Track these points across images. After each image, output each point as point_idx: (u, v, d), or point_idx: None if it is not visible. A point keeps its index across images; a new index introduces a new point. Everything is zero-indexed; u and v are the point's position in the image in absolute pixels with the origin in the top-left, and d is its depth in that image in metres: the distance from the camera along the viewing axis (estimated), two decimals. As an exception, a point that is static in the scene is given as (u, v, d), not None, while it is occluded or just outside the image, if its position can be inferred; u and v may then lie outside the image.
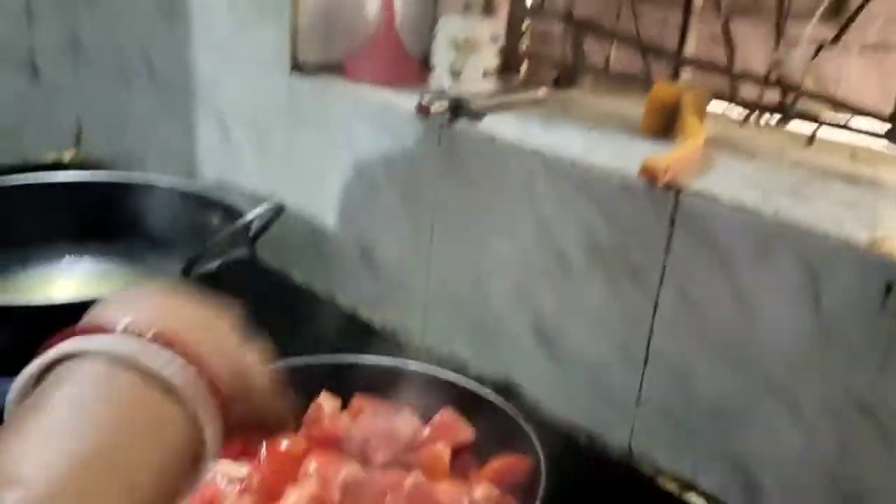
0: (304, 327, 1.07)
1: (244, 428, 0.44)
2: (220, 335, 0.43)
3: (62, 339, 0.38)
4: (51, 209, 1.07)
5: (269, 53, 1.05)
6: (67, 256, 1.08)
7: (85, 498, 0.32)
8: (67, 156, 1.52)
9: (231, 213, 1.01)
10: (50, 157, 1.50)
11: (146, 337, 0.37)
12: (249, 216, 0.83)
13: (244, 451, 0.68)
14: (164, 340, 0.38)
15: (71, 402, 0.35)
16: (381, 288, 0.97)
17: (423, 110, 0.82)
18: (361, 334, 1.00)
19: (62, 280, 1.04)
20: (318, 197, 1.02)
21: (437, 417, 0.71)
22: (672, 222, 0.69)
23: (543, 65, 1.07)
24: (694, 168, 0.74)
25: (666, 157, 0.70)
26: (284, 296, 1.09)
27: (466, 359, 0.89)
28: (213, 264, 0.83)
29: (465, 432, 0.70)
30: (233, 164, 1.15)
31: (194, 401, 0.37)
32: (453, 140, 0.85)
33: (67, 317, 0.77)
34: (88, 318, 0.39)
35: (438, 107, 0.83)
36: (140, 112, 1.33)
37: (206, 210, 1.06)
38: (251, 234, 0.87)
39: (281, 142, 1.06)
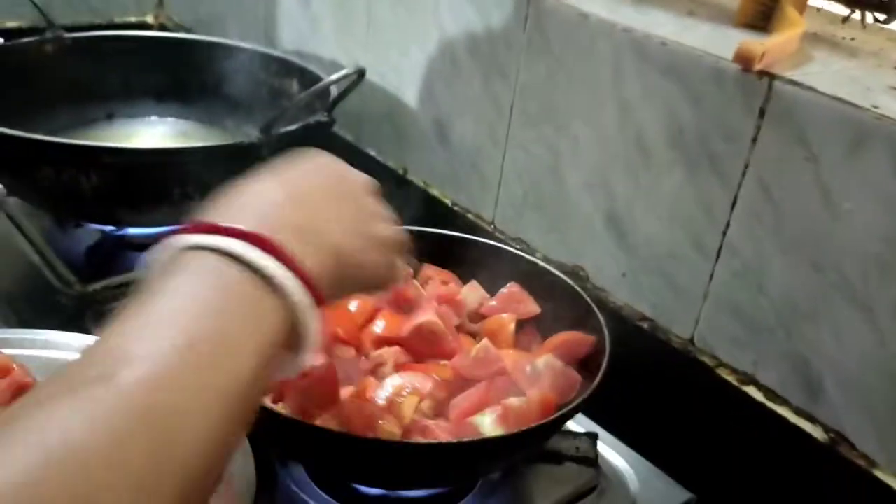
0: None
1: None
2: (332, 215, 0.46)
3: (182, 232, 0.40)
4: (136, 66, 1.09)
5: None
6: (152, 116, 1.10)
7: (193, 377, 0.34)
8: (150, 17, 1.53)
9: (310, 79, 1.02)
10: (133, 18, 1.51)
11: (252, 237, 0.39)
12: (330, 79, 0.83)
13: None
14: (267, 244, 0.40)
15: (184, 290, 0.37)
16: (454, 166, 0.97)
17: (512, -18, 0.80)
18: (432, 211, 1.00)
19: (145, 136, 1.07)
20: (397, 70, 1.02)
21: (503, 290, 0.72)
22: (762, 112, 0.67)
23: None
24: (790, 59, 0.71)
25: (762, 42, 0.67)
26: (357, 167, 1.09)
27: (535, 242, 0.89)
28: (292, 126, 0.84)
29: (531, 306, 0.71)
30: (312, 33, 1.15)
31: (293, 297, 0.39)
32: (540, 15, 0.82)
33: (151, 164, 0.80)
34: (205, 216, 0.42)
35: (529, -20, 0.80)
36: (223, -24, 1.33)
37: (286, 75, 1.06)
38: (330, 98, 0.87)
39: (362, 10, 1.05)
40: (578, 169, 0.83)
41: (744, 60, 0.66)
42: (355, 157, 1.09)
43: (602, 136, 0.80)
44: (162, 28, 1.52)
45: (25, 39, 1.02)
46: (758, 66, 0.66)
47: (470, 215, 0.96)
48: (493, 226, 0.94)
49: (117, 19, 1.49)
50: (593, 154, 0.81)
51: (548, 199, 0.87)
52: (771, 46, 0.67)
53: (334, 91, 0.88)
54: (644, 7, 0.84)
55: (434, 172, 1.01)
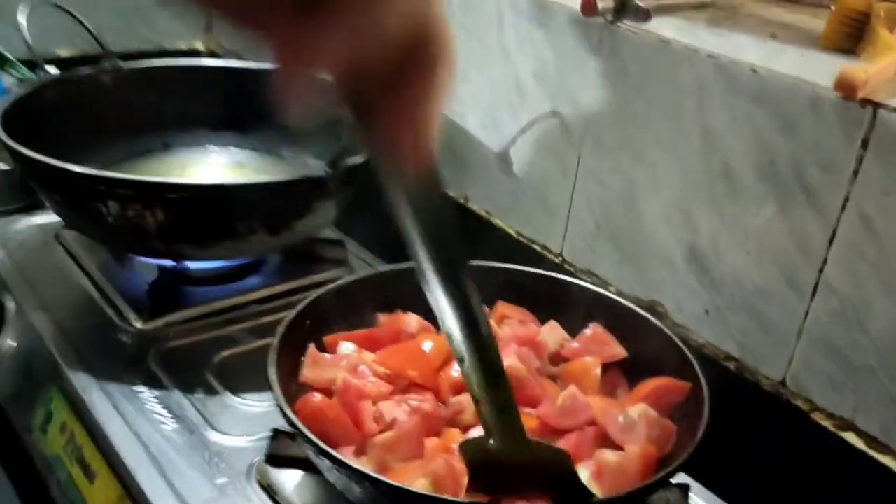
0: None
1: None
2: None
3: None
4: (192, 95, 1.07)
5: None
6: (208, 145, 1.08)
7: None
8: (200, 43, 1.52)
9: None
10: (184, 44, 1.51)
11: None
12: None
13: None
14: None
15: None
16: (518, 196, 0.94)
17: (589, 7, 0.77)
18: (495, 241, 0.97)
19: (202, 165, 1.05)
20: (459, 94, 0.99)
21: (587, 331, 0.69)
22: (865, 143, 0.63)
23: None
24: (890, 85, 0.67)
25: (865, 68, 0.63)
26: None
27: (608, 276, 0.86)
28: (357, 159, 0.81)
29: (616, 348, 0.68)
30: (369, 60, 1.12)
31: None
32: (616, 41, 0.79)
33: (218, 200, 0.77)
34: None
35: (605, 4, 0.77)
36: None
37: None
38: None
39: (422, 38, 1.02)
40: (656, 200, 0.79)
41: (846, 88, 0.62)
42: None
43: (683, 166, 0.76)
44: (212, 54, 1.51)
45: (83, 70, 1.01)
46: (861, 94, 0.62)
47: (536, 246, 0.93)
48: (561, 258, 0.90)
49: (167, 46, 1.48)
50: (673, 185, 0.77)
51: (622, 231, 0.83)
52: (874, 73, 0.63)
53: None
54: (723, 31, 0.80)
55: (497, 202, 0.98)
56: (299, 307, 0.69)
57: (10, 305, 0.87)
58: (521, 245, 0.95)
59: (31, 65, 1.06)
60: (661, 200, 0.79)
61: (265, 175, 1.01)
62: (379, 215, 1.04)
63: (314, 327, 0.69)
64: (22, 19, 0.97)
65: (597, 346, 0.67)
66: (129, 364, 0.79)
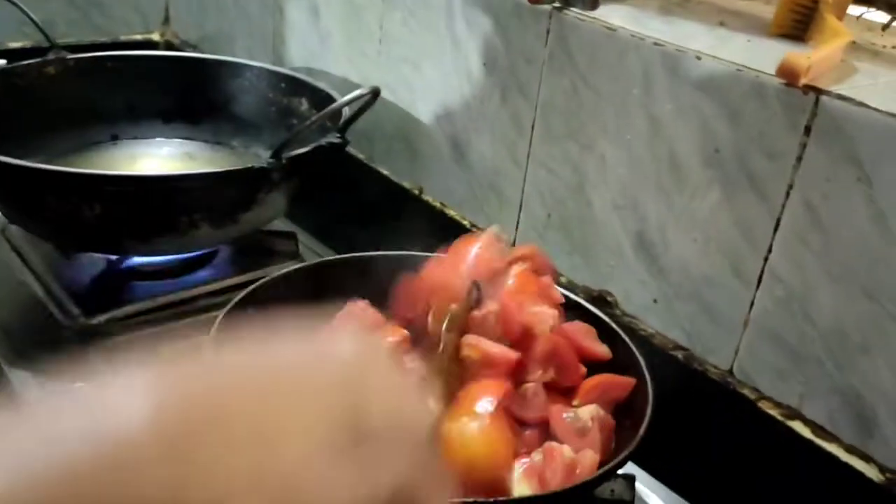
0: (390, 221, 1.04)
1: None
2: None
3: None
4: (141, 86, 1.05)
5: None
6: (158, 137, 1.06)
7: None
8: (156, 35, 1.49)
9: (320, 98, 0.98)
10: (139, 35, 1.48)
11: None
12: (344, 100, 0.79)
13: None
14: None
15: None
16: (472, 186, 0.93)
17: (534, -4, 0.76)
18: (449, 232, 0.96)
19: (150, 158, 1.03)
20: (409, 86, 0.98)
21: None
22: (808, 130, 0.62)
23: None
24: (834, 72, 0.66)
25: (808, 55, 0.63)
26: (369, 187, 1.06)
27: (559, 265, 0.85)
28: (303, 149, 0.80)
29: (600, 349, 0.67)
30: (322, 49, 1.11)
31: None
32: (563, 29, 0.78)
33: (157, 192, 0.76)
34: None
35: (551, -8, 0.76)
36: (229, -9, 1.29)
37: (295, 93, 1.02)
38: (343, 119, 0.83)
39: (373, 24, 1.01)
40: (605, 189, 0.78)
41: (788, 75, 0.61)
42: (368, 176, 1.06)
43: (631, 155, 0.75)
44: (168, 46, 1.48)
45: (27, 61, 0.99)
46: (803, 81, 0.61)
47: (490, 237, 0.92)
48: (515, 247, 0.89)
49: (123, 37, 1.45)
50: (622, 174, 0.77)
51: (572, 220, 0.83)
52: (817, 59, 0.62)
53: (346, 111, 0.84)
54: (672, 18, 0.80)
55: (451, 193, 0.97)
56: (239, 296, 0.67)
57: (-50, 303, 0.85)
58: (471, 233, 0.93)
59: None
60: (610, 189, 0.78)
61: (214, 167, 0.99)
62: (330, 206, 1.03)
63: (256, 318, 0.68)
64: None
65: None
66: (73, 360, 0.77)
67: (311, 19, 1.11)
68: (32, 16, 1.01)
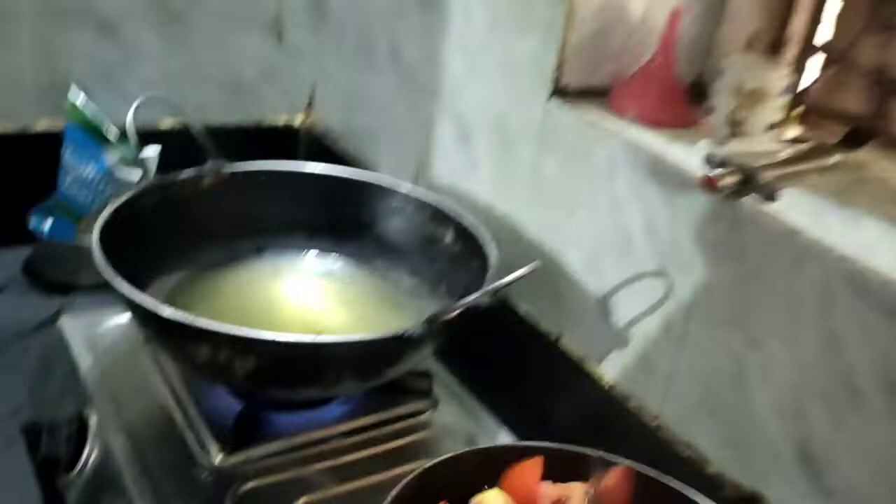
0: (524, 364, 1.02)
1: None
2: None
3: None
4: (290, 200, 1.07)
5: (527, 67, 0.97)
6: (302, 250, 1.07)
7: None
8: (298, 119, 1.53)
9: (466, 234, 0.97)
10: (282, 119, 1.51)
11: None
12: (507, 280, 0.77)
13: None
14: None
15: None
16: (619, 345, 0.90)
17: (709, 184, 0.73)
18: (585, 387, 0.93)
19: (291, 274, 1.04)
20: (559, 229, 0.95)
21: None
22: None
23: (831, 119, 0.93)
24: None
25: None
26: (506, 322, 1.03)
27: (709, 453, 0.81)
28: (454, 313, 0.78)
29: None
30: (468, 172, 1.10)
31: None
32: (737, 217, 0.75)
33: (306, 356, 0.75)
34: None
35: (728, 181, 0.73)
36: (377, 93, 1.30)
37: (441, 224, 1.02)
38: (497, 284, 0.81)
39: (526, 162, 0.99)
40: (769, 390, 0.74)
41: None
42: (502, 309, 1.03)
43: (802, 362, 0.71)
44: (308, 133, 1.51)
45: (185, 174, 1.01)
46: None
47: (631, 402, 0.89)
48: (657, 420, 0.86)
49: (268, 121, 1.49)
50: (789, 378, 0.72)
51: (727, 411, 0.78)
52: None
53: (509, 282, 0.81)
54: (850, 209, 0.75)
55: (592, 346, 0.94)
56: (403, 482, 0.65)
57: (93, 421, 0.87)
58: (613, 397, 0.90)
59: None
60: (775, 391, 0.74)
61: (354, 290, 1.00)
62: (470, 351, 0.99)
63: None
64: (130, 117, 0.98)
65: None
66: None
67: (460, 141, 1.11)
68: (199, 127, 1.03)
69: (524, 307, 1.03)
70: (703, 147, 0.81)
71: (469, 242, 0.96)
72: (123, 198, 0.93)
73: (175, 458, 0.83)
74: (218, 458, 0.82)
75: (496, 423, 0.95)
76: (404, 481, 0.65)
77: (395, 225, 1.05)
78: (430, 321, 0.75)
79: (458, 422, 0.94)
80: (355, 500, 0.81)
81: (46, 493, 0.89)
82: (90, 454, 0.85)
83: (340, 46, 1.40)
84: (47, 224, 1.29)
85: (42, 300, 1.23)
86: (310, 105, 1.52)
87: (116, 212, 0.90)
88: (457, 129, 1.11)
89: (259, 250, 1.06)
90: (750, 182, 0.74)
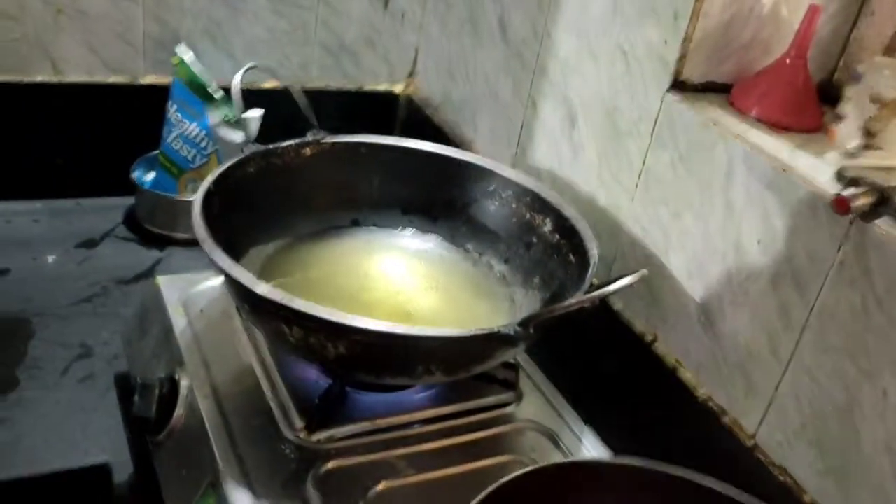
0: (615, 365, 0.99)
1: None
2: None
3: None
4: (388, 175, 1.06)
5: (646, 56, 0.93)
6: (396, 227, 1.06)
7: None
8: (399, 87, 1.51)
9: (566, 226, 0.94)
10: (383, 86, 1.50)
11: None
12: (612, 288, 0.74)
13: None
14: None
15: None
16: (716, 357, 0.86)
17: (841, 205, 0.68)
18: (676, 396, 0.90)
19: (385, 252, 1.04)
20: (663, 229, 0.92)
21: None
22: None
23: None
24: None
25: None
26: (598, 321, 1.00)
27: (805, 482, 0.77)
28: (551, 315, 0.76)
29: None
30: (570, 159, 1.06)
31: None
32: (864, 240, 0.70)
33: (398, 345, 0.74)
34: None
35: (862, 202, 0.68)
36: (481, 67, 1.27)
37: (539, 212, 0.99)
38: (600, 291, 0.78)
39: (636, 155, 0.95)
40: (882, 427, 0.70)
41: None
42: (598, 309, 1.00)
43: (923, 403, 0.66)
44: (408, 102, 1.49)
45: (287, 142, 1.01)
46: None
47: (726, 419, 0.85)
48: (753, 440, 0.82)
49: (368, 87, 1.48)
50: (906, 418, 0.68)
51: (832, 442, 0.74)
52: None
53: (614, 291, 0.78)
54: None
55: (689, 353, 0.90)
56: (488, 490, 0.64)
57: (184, 384, 0.88)
58: (706, 411, 0.87)
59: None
60: (888, 430, 0.69)
61: (446, 274, 0.98)
62: (559, 344, 0.95)
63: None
64: (236, 81, 0.97)
65: None
66: (288, 483, 0.78)
67: (565, 124, 1.07)
68: (301, 96, 1.02)
69: (619, 304, 0.99)
70: (833, 160, 0.76)
71: (569, 235, 0.93)
72: (225, 166, 0.93)
73: (260, 430, 0.83)
74: (302, 434, 0.82)
75: (580, 422, 0.92)
76: (486, 491, 0.63)
77: (492, 209, 1.03)
78: (526, 323, 0.73)
79: (541, 417, 0.91)
80: (432, 491, 0.80)
81: (133, 452, 0.91)
82: (180, 418, 0.86)
83: (447, 15, 1.37)
84: (150, 176, 1.32)
85: (141, 250, 1.25)
86: (411, 74, 1.49)
87: (218, 181, 0.90)
88: (563, 112, 1.07)
89: (355, 222, 1.06)
90: (885, 203, 0.69)
